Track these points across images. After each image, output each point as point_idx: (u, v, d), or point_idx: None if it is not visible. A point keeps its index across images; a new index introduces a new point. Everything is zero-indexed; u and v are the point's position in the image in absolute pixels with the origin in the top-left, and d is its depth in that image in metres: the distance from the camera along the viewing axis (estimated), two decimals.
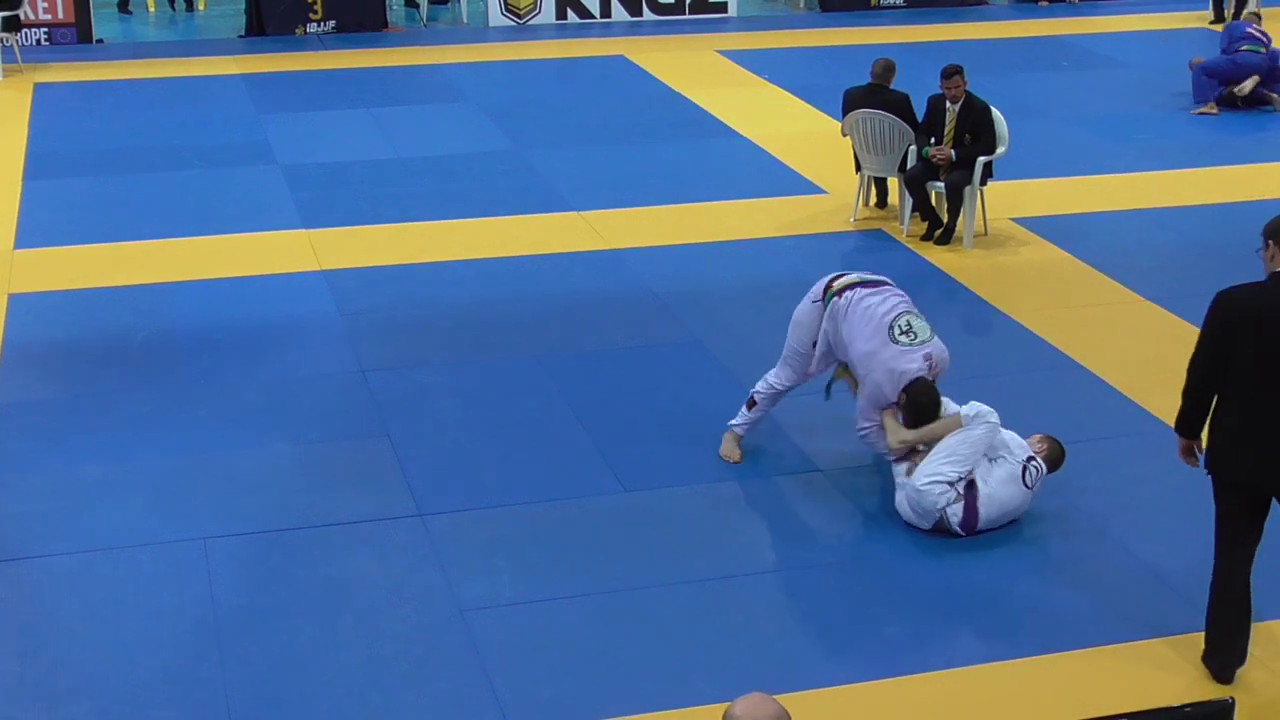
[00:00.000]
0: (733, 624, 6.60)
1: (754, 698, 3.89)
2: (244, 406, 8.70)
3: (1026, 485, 7.30)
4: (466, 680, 6.20)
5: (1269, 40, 15.78)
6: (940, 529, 7.24)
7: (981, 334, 10.03)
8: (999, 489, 7.23)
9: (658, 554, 7.16)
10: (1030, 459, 7.35)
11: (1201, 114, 15.40)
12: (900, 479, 7.41)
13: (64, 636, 6.51)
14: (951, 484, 7.18)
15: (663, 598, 6.79)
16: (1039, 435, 7.56)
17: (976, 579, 6.93)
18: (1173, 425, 6.22)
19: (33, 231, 11.75)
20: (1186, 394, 6.08)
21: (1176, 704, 4.76)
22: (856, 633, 6.55)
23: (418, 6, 20.88)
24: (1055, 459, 7.52)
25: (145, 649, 6.39)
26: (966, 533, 7.21)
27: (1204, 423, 6.08)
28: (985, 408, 7.35)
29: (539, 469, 7.97)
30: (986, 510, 7.20)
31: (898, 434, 7.45)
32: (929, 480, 7.19)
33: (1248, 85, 15.41)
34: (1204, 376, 5.98)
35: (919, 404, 7.36)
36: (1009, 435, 7.43)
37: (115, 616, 6.64)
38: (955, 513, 7.17)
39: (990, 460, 7.30)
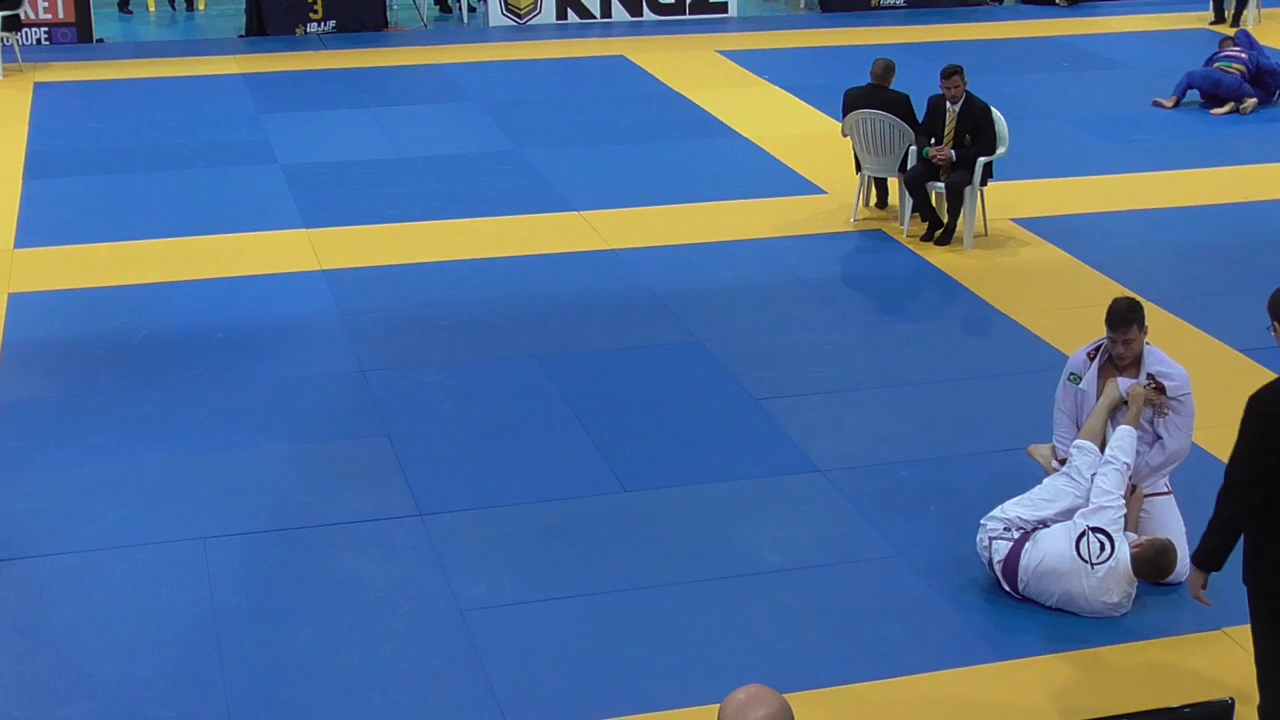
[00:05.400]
0: (733, 624, 6.60)
1: (757, 688, 3.89)
2: (244, 406, 8.70)
3: (1081, 556, 6.50)
4: (466, 680, 6.20)
5: (1250, 61, 15.68)
6: (997, 581, 6.74)
7: (981, 334, 10.03)
8: (1046, 537, 6.60)
9: (657, 554, 7.16)
10: (1098, 531, 6.53)
11: (1158, 104, 15.67)
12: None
13: (64, 636, 6.51)
14: (1009, 526, 6.71)
15: (663, 598, 6.79)
16: (1151, 537, 6.71)
17: (976, 578, 6.93)
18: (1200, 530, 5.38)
19: (33, 231, 11.75)
20: (1225, 525, 5.19)
21: (1176, 704, 4.77)
22: (856, 633, 6.54)
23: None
24: (1146, 562, 6.59)
25: (145, 649, 6.40)
26: (1008, 581, 6.67)
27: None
28: (1110, 457, 6.68)
29: (539, 469, 7.97)
30: (1029, 555, 6.59)
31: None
32: (991, 515, 6.79)
33: (1225, 110, 15.44)
34: (1252, 499, 5.04)
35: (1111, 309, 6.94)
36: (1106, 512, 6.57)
37: (115, 616, 6.64)
38: (999, 549, 6.68)
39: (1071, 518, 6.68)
